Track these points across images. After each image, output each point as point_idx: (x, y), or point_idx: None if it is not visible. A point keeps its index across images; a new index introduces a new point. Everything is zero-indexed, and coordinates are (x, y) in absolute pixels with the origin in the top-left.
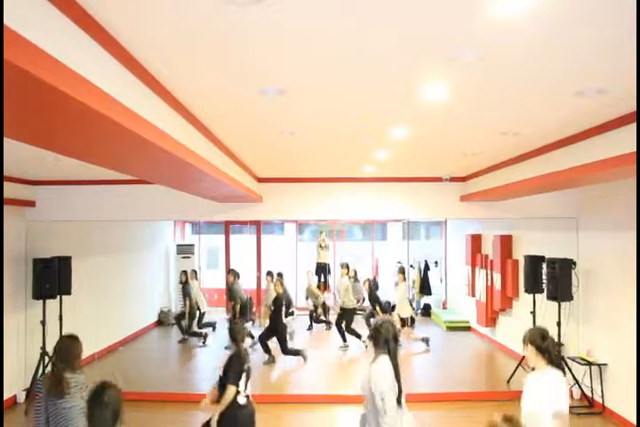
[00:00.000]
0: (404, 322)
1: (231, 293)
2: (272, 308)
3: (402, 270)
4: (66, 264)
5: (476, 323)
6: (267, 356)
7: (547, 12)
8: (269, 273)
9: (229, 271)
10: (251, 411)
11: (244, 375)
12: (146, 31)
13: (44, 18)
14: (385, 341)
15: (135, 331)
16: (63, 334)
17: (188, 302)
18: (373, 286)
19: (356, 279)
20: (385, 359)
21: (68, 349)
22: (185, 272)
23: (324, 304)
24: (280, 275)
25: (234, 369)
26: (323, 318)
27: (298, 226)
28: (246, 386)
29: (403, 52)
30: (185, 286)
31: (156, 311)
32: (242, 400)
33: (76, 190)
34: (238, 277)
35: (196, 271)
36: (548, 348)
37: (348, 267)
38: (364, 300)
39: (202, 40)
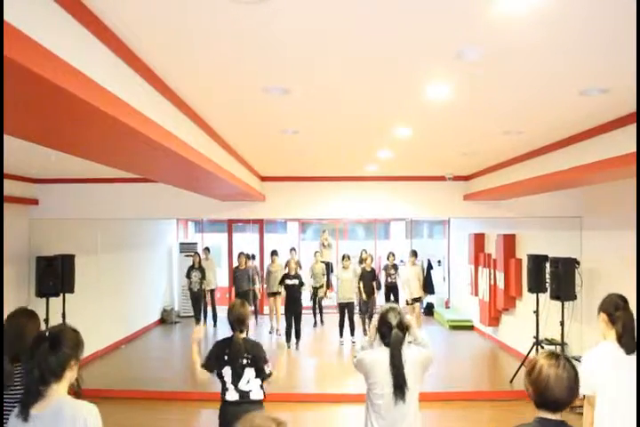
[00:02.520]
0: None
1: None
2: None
3: (414, 253)
4: (69, 262)
5: (479, 322)
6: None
7: (550, 11)
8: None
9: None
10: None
11: (228, 368)
12: (150, 31)
13: (51, 19)
14: (388, 329)
15: (138, 329)
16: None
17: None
18: (376, 285)
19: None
20: (380, 350)
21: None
22: (197, 254)
23: (320, 300)
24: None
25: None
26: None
27: (300, 225)
28: (239, 380)
29: (406, 51)
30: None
31: (159, 310)
32: (230, 396)
33: (80, 189)
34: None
35: (208, 248)
36: (619, 318)
37: (350, 258)
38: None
39: (205, 38)
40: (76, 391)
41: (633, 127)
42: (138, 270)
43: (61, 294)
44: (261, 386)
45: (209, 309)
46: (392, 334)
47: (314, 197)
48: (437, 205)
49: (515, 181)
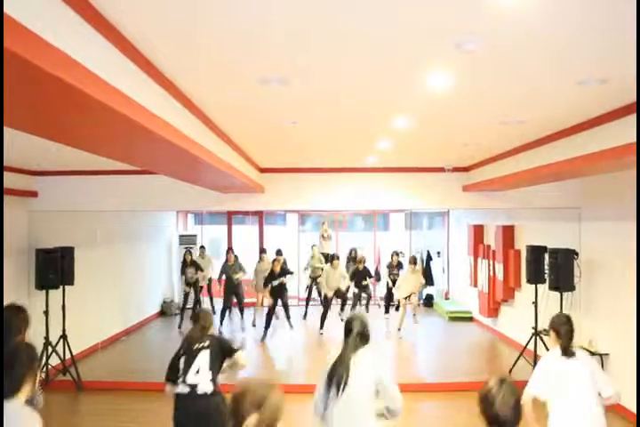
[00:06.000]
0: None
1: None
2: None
3: (414, 260)
4: (69, 254)
5: (479, 313)
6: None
7: (549, 1)
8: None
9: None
10: (197, 405)
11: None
12: (149, 23)
13: (50, 11)
14: (349, 333)
15: (138, 321)
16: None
17: None
18: (375, 278)
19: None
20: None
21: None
22: (189, 252)
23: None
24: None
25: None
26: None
27: (300, 216)
28: (187, 372)
29: (405, 40)
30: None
31: (159, 302)
32: (182, 389)
33: (79, 181)
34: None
35: (203, 247)
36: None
37: (338, 258)
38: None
39: (202, 27)
40: (77, 383)
41: (633, 117)
42: (137, 263)
43: (61, 287)
44: (212, 380)
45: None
46: (349, 339)
47: (313, 189)
48: (437, 196)
49: (514, 172)
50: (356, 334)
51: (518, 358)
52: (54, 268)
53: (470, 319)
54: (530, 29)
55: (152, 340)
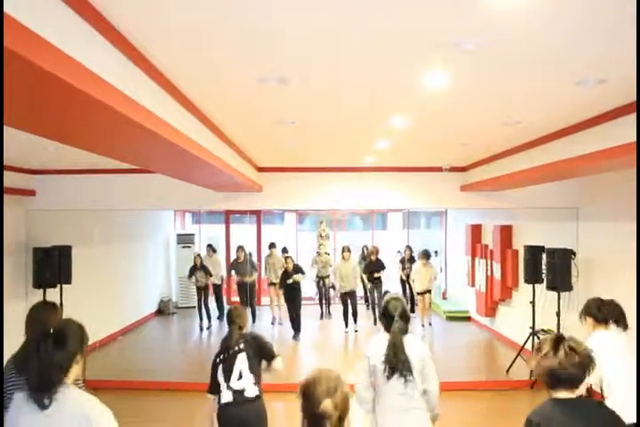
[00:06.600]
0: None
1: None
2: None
3: (426, 255)
4: (66, 253)
5: (476, 313)
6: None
7: (547, 1)
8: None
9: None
10: (241, 412)
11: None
12: (146, 21)
13: (50, 11)
14: (391, 319)
15: (135, 320)
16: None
17: None
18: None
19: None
20: (380, 336)
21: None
22: (198, 256)
23: (327, 291)
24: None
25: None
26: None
27: (298, 216)
28: (229, 378)
29: (404, 40)
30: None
31: (157, 301)
32: (226, 397)
33: (76, 180)
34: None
35: (211, 245)
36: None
37: (350, 250)
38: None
39: (202, 27)
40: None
41: (632, 117)
42: (135, 261)
43: (58, 285)
44: (255, 383)
45: (213, 305)
46: (393, 324)
47: (311, 188)
48: (435, 195)
49: (512, 172)
50: (400, 317)
51: (516, 358)
52: (52, 266)
53: (468, 319)
54: (529, 29)
55: (149, 339)
